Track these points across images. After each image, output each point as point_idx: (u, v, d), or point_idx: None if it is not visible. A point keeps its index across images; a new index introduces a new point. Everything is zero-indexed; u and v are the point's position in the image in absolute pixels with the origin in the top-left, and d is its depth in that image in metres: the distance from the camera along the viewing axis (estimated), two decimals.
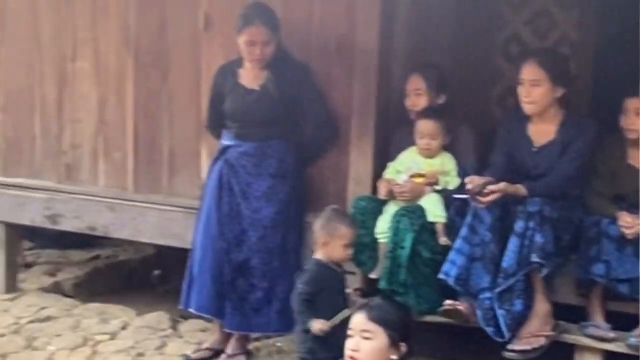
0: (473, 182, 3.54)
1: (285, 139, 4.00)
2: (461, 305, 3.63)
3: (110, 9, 4.48)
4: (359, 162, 4.00)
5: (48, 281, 5.23)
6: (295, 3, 4.03)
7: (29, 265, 5.51)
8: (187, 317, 4.51)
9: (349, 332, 2.64)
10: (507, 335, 3.54)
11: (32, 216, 4.78)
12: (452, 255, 3.61)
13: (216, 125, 4.14)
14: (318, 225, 3.36)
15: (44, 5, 4.64)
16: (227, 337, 4.08)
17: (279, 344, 4.24)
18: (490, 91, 5.02)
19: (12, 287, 4.93)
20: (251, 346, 4.15)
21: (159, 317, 4.58)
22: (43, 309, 4.66)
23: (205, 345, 4.11)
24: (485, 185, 3.50)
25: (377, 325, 2.56)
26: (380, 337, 2.56)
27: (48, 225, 4.77)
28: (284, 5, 4.01)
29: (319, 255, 3.35)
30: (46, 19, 4.64)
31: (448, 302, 3.65)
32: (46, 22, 4.64)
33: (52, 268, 5.50)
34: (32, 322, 4.47)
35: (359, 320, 2.60)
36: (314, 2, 4.00)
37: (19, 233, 5.11)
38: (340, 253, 3.32)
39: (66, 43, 4.60)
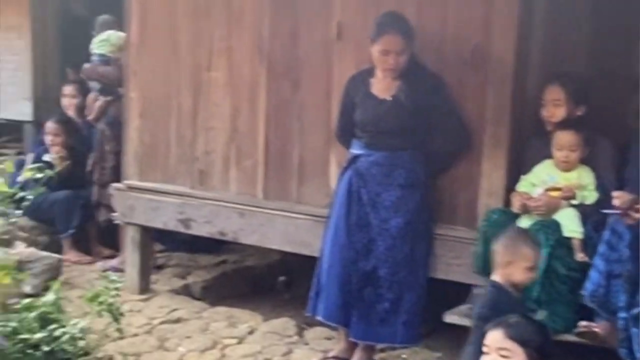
0: (621, 197, 3.41)
1: (416, 149, 3.97)
2: (597, 327, 3.49)
3: (244, 19, 4.57)
4: (492, 173, 3.92)
5: (178, 283, 5.37)
6: (429, 12, 4.00)
7: (159, 267, 5.68)
8: (312, 323, 4.54)
9: (484, 349, 2.59)
10: (638, 356, 3.39)
11: (165, 219, 4.94)
12: (590, 272, 3.50)
13: (346, 134, 4.16)
14: (500, 245, 3.21)
15: (181, 16, 4.80)
16: (352, 346, 4.08)
17: (404, 356, 4.21)
18: (628, 103, 4.81)
19: (145, 288, 5.10)
20: (376, 356, 4.13)
21: (284, 323, 4.63)
22: (174, 310, 4.79)
23: (331, 354, 4.13)
24: (635, 201, 3.37)
25: (516, 344, 2.49)
26: (518, 356, 2.49)
27: (181, 228, 4.91)
28: (417, 14, 3.98)
29: (498, 276, 3.20)
30: (184, 29, 4.79)
31: (583, 323, 3.53)
32: (183, 33, 4.79)
33: (182, 271, 5.65)
34: (163, 322, 4.60)
35: (496, 338, 2.54)
36: (448, 11, 3.96)
37: (152, 235, 5.28)
38: (522, 275, 3.16)
39: (202, 53, 4.73)
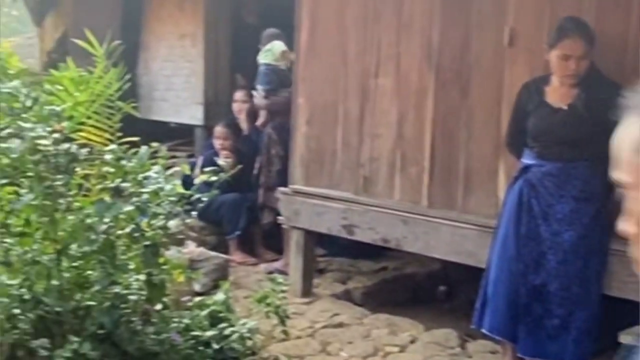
0: None
1: (592, 160, 3.79)
2: None
3: (414, 25, 4.55)
4: None
5: (339, 288, 5.42)
6: (610, 17, 3.82)
7: (321, 272, 5.75)
8: (474, 335, 4.44)
9: None
10: None
11: (329, 225, 4.99)
12: None
13: (517, 143, 4.04)
14: None
15: (350, 23, 4.84)
16: None
17: None
18: None
19: (307, 291, 5.17)
20: None
21: (447, 334, 4.56)
22: (335, 315, 4.83)
23: None
24: None
25: None
26: None
27: (344, 234, 4.94)
28: (597, 19, 3.81)
29: None
30: (352, 35, 4.83)
31: None
32: (352, 39, 4.83)
33: (342, 276, 5.70)
34: (325, 326, 4.65)
35: None
36: (630, 15, 3.76)
37: (314, 240, 5.35)
38: None
39: (370, 59, 4.75)
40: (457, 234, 4.41)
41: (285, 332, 4.00)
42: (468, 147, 4.40)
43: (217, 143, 6.28)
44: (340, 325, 4.68)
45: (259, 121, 6.04)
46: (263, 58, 5.98)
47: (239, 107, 6.48)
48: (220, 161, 5.87)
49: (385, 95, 4.71)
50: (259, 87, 6.04)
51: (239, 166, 5.38)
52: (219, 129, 6.33)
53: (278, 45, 5.88)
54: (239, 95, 6.53)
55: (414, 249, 4.70)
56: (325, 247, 6.03)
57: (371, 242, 4.87)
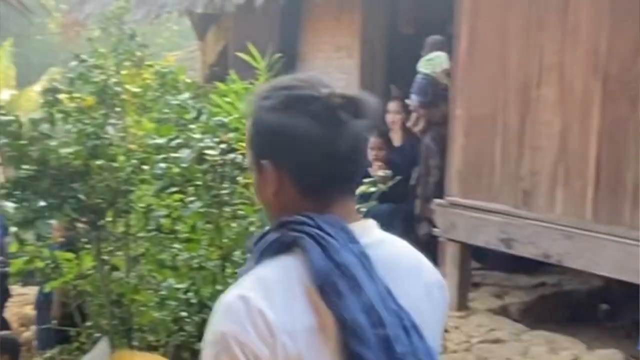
0: None
1: None
2: None
3: (579, 33, 4.39)
4: None
5: (495, 303, 5.30)
6: None
7: (476, 285, 5.64)
8: (639, 358, 4.22)
9: None
10: None
11: (486, 238, 4.89)
12: None
13: None
14: None
15: (511, 32, 4.73)
16: None
17: None
18: None
19: (463, 305, 5.09)
20: None
21: (612, 355, 4.36)
22: (492, 330, 4.73)
23: None
24: None
25: None
26: None
27: (502, 248, 4.83)
28: None
29: None
30: (513, 45, 4.72)
31: None
32: (513, 49, 4.72)
33: (498, 290, 5.56)
34: (482, 342, 4.56)
35: None
36: None
37: (470, 253, 5.25)
38: None
39: (532, 69, 4.62)
40: (624, 251, 4.20)
41: (442, 346, 3.94)
42: (637, 161, 4.18)
43: (370, 154, 6.28)
44: (497, 340, 4.58)
45: (416, 127, 5.99)
46: (423, 67, 5.91)
47: (392, 118, 6.46)
48: (380, 172, 5.92)
49: (548, 106, 4.56)
50: (413, 96, 6.01)
51: (397, 177, 5.37)
52: (372, 140, 6.32)
53: (442, 59, 5.79)
54: (392, 106, 6.50)
55: (578, 266, 4.52)
56: (480, 260, 5.90)
57: (531, 257, 4.73)
